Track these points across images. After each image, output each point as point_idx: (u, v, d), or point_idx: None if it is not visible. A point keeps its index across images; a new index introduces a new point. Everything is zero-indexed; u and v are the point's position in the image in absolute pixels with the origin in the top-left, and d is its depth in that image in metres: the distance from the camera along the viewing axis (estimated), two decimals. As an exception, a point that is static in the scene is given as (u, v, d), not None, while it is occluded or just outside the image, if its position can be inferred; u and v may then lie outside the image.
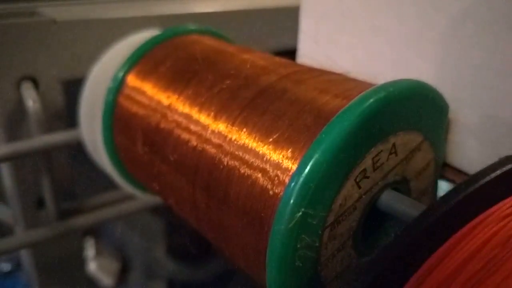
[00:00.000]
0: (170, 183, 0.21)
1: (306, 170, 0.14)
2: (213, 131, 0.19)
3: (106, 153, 0.25)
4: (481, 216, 0.12)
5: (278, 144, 0.16)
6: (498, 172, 0.12)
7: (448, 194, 0.12)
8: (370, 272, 0.12)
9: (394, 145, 0.16)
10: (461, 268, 0.11)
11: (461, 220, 0.12)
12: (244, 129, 0.18)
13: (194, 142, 0.19)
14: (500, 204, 0.12)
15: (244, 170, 0.17)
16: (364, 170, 0.15)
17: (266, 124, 0.17)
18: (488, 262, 0.11)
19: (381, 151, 0.16)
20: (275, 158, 0.16)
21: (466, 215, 0.12)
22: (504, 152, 0.14)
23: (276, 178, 0.16)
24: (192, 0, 0.40)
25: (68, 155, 0.35)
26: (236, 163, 0.17)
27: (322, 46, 0.25)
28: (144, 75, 0.24)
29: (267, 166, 0.16)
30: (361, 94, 0.15)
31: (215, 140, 0.18)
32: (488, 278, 0.11)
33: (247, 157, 0.17)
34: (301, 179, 0.14)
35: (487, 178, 0.12)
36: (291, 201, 0.14)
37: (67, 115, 0.32)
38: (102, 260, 0.57)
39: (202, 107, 0.20)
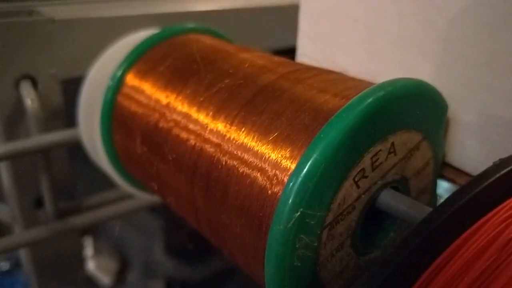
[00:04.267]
0: (169, 182, 0.21)
1: (305, 170, 0.14)
2: (211, 130, 0.19)
3: (105, 152, 0.25)
4: (482, 220, 0.12)
5: (276, 143, 0.16)
6: (500, 174, 0.12)
7: (451, 198, 0.12)
8: (375, 279, 0.12)
9: (393, 144, 0.16)
10: (464, 272, 0.11)
11: (463, 224, 0.12)
12: (243, 129, 0.18)
13: (192, 141, 0.19)
14: (501, 206, 0.12)
15: (242, 169, 0.17)
16: (363, 169, 0.15)
17: (264, 123, 0.17)
18: (489, 267, 0.11)
19: (380, 150, 0.16)
20: (274, 158, 0.16)
21: (469, 218, 0.12)
22: (504, 151, 0.14)
23: (274, 178, 0.16)
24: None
25: (67, 154, 0.34)
26: (235, 163, 0.17)
27: (321, 45, 0.25)
28: (143, 74, 0.23)
29: (266, 166, 0.16)
30: (360, 93, 0.15)
31: (214, 139, 0.18)
32: (491, 282, 0.11)
33: (245, 156, 0.17)
34: (300, 178, 0.14)
35: (489, 181, 0.12)
36: (290, 200, 0.14)
37: (66, 114, 0.32)
38: (101, 259, 0.57)
39: (200, 106, 0.20)
